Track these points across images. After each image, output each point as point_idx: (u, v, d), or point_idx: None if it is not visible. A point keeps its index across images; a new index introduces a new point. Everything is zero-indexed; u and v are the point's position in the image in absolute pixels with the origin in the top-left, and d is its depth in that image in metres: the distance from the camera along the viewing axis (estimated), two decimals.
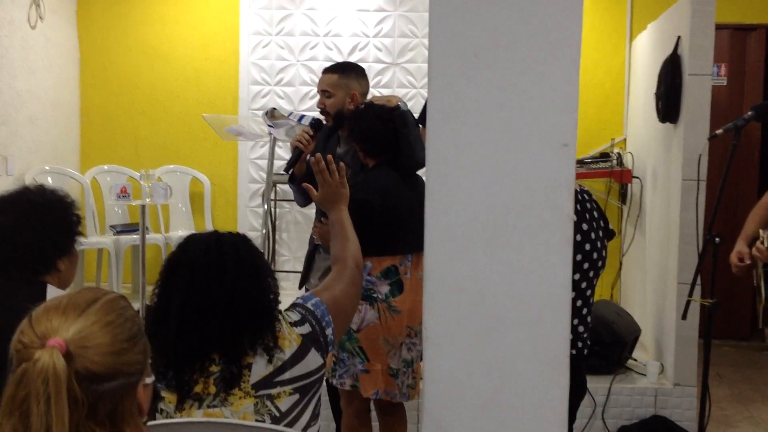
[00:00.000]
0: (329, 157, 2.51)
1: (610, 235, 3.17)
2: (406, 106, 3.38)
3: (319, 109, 3.61)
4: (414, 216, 3.22)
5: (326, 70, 3.63)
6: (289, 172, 3.58)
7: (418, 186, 3.37)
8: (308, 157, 3.59)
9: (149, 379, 1.37)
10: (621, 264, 5.66)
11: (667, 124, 4.49)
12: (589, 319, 3.09)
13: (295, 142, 3.53)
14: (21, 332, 1.28)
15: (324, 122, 3.56)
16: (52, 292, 2.15)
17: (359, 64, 3.85)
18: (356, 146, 3.36)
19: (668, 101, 4.34)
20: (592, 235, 3.05)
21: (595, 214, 3.13)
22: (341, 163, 2.53)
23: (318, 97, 3.61)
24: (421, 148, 3.32)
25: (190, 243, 2.07)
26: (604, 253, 3.14)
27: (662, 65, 4.47)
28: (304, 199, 3.68)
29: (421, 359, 3.40)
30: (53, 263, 2.21)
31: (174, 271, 2.03)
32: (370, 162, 3.33)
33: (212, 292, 1.95)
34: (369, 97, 3.62)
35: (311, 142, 3.51)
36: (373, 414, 3.52)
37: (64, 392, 1.20)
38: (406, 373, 3.28)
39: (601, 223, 3.16)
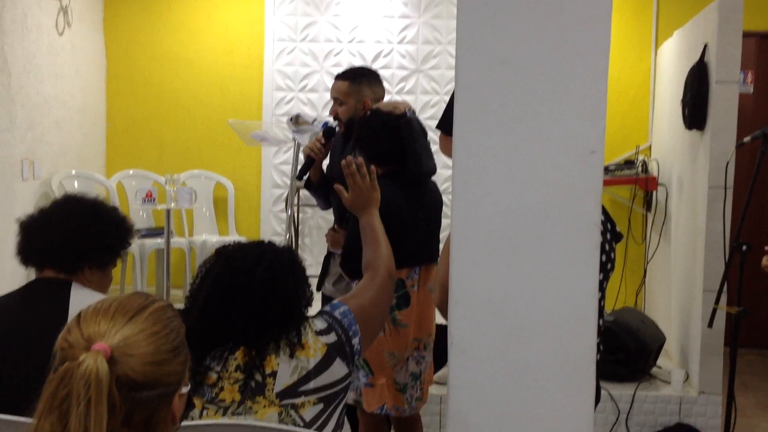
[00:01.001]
0: (360, 159, 2.49)
1: (617, 237, 3.13)
2: (414, 113, 3.28)
3: (332, 116, 3.60)
4: (419, 228, 3.20)
5: (338, 77, 3.57)
6: (302, 180, 3.58)
7: (427, 196, 3.29)
8: (324, 161, 3.59)
9: (185, 389, 1.38)
10: (645, 271, 5.62)
11: (694, 131, 4.46)
12: (600, 322, 3.05)
13: (306, 150, 3.51)
14: (68, 330, 1.29)
15: (336, 129, 3.54)
16: (77, 290, 2.16)
17: (376, 69, 3.79)
18: (361, 155, 3.28)
19: (695, 108, 4.31)
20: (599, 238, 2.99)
21: (602, 216, 3.07)
22: (372, 167, 2.50)
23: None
24: (428, 156, 3.24)
25: (235, 243, 2.10)
26: (612, 256, 3.09)
27: (689, 72, 4.44)
28: (325, 203, 3.69)
29: (437, 368, 3.38)
30: (80, 269, 2.22)
31: (212, 262, 2.05)
32: (378, 171, 3.27)
33: (243, 279, 1.97)
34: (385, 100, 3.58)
35: (323, 150, 3.50)
36: None
37: (105, 397, 1.21)
38: (414, 386, 3.22)
39: (609, 226, 3.12)
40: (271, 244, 2.10)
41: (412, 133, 3.17)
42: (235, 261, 2.00)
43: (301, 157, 3.71)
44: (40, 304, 2.12)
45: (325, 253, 3.62)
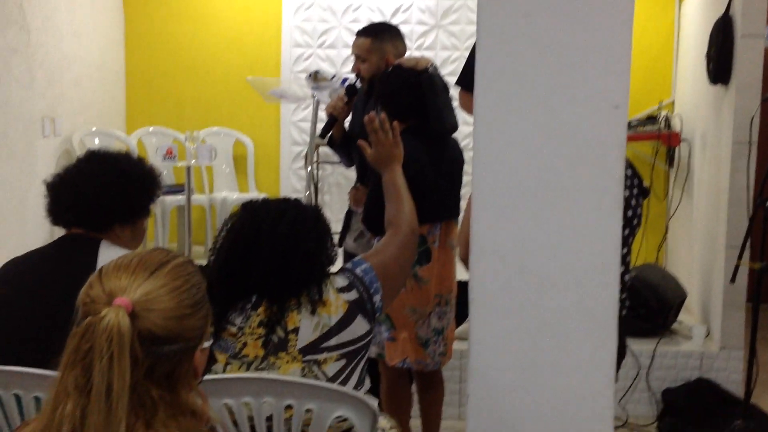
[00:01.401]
0: (383, 115, 2.48)
1: (645, 193, 3.09)
2: (436, 69, 3.24)
3: (354, 74, 3.56)
4: (441, 184, 3.18)
5: (359, 33, 3.53)
6: (325, 138, 3.56)
7: (448, 151, 3.27)
8: (346, 118, 3.57)
9: (207, 344, 1.40)
10: (667, 228, 5.59)
11: (718, 85, 4.40)
12: (626, 278, 3.03)
13: (329, 108, 3.49)
14: (90, 286, 1.30)
15: (358, 87, 3.51)
16: (106, 248, 2.17)
17: (396, 25, 3.73)
18: (383, 111, 3.26)
19: (719, 63, 4.25)
20: (626, 193, 2.97)
21: (629, 171, 3.04)
22: (395, 122, 2.49)
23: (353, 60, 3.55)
24: (450, 112, 3.22)
25: (261, 199, 2.11)
26: (639, 211, 3.06)
27: (713, 26, 4.37)
28: (348, 160, 3.67)
29: (459, 324, 3.40)
30: (110, 226, 2.23)
31: (237, 216, 2.07)
32: (399, 127, 3.24)
33: (265, 233, 1.98)
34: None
35: (345, 109, 3.48)
36: None
37: (127, 351, 1.23)
38: (437, 341, 3.23)
39: (636, 181, 3.08)
40: (296, 201, 2.11)
41: (433, 89, 3.14)
42: (259, 215, 2.01)
43: (322, 114, 3.69)
44: (69, 261, 2.14)
45: (346, 209, 3.62)
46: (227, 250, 2.01)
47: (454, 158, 3.30)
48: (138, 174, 2.29)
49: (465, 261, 2.74)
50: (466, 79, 3.36)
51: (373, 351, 3.22)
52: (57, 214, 2.24)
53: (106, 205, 2.20)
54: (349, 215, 3.57)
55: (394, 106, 3.15)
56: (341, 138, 3.56)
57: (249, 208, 2.07)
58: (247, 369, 1.94)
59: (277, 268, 1.97)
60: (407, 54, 3.62)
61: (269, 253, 1.96)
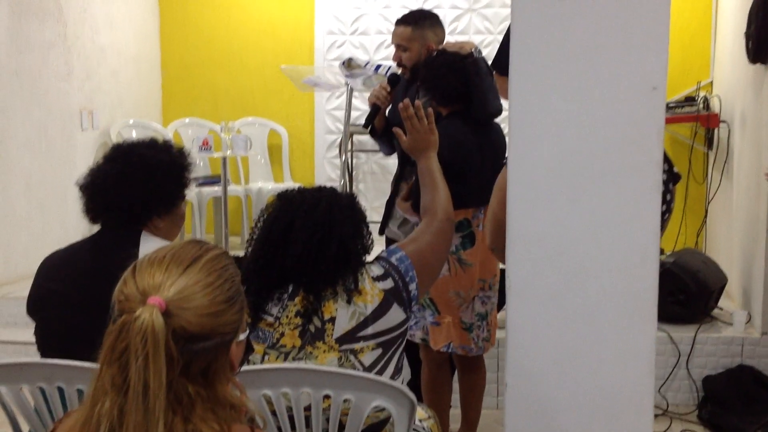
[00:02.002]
0: (418, 102, 2.47)
1: (675, 178, 3.04)
2: (481, 53, 3.25)
3: (395, 63, 3.56)
4: (486, 168, 3.17)
5: (399, 22, 3.51)
6: (368, 128, 3.56)
7: (492, 136, 3.28)
8: (388, 108, 3.56)
9: (243, 336, 1.39)
10: (707, 212, 5.51)
11: (758, 65, 4.31)
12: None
13: (372, 98, 3.49)
14: (124, 282, 1.30)
15: (401, 76, 3.51)
16: (146, 240, 2.18)
17: (433, 11, 3.72)
18: (428, 95, 3.28)
19: (759, 41, 4.16)
20: None
21: None
22: (429, 109, 2.48)
23: (393, 49, 3.54)
24: (494, 96, 3.23)
25: (297, 188, 2.12)
26: (668, 198, 3.01)
27: (753, 3, 4.28)
28: (389, 148, 3.68)
29: (498, 310, 3.39)
30: (148, 219, 2.24)
31: (273, 205, 2.07)
32: (443, 111, 3.26)
33: (299, 220, 1.98)
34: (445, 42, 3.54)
35: (388, 98, 3.47)
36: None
37: (162, 350, 1.22)
38: (481, 326, 3.23)
39: (666, 166, 3.03)
40: (332, 189, 2.10)
41: (478, 73, 3.15)
42: (294, 204, 2.01)
43: (356, 102, 3.69)
44: (111, 253, 2.15)
45: (380, 199, 3.62)
46: (263, 239, 2.02)
47: (498, 143, 3.30)
48: (166, 163, 2.28)
49: (492, 250, 2.73)
50: (501, 63, 3.34)
51: (417, 336, 3.25)
52: (94, 215, 2.25)
53: (139, 202, 2.20)
54: (390, 203, 3.57)
55: (440, 91, 3.19)
56: (383, 127, 3.57)
57: (284, 197, 2.07)
58: (285, 359, 1.95)
59: (312, 256, 1.96)
60: (444, 39, 3.60)
61: (305, 240, 1.96)
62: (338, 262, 1.99)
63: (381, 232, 3.61)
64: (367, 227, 2.11)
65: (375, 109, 3.46)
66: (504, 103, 3.25)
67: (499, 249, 2.69)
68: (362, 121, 3.58)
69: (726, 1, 5.45)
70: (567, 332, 1.85)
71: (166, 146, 2.35)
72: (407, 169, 3.47)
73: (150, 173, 2.23)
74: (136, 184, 2.20)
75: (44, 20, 4.82)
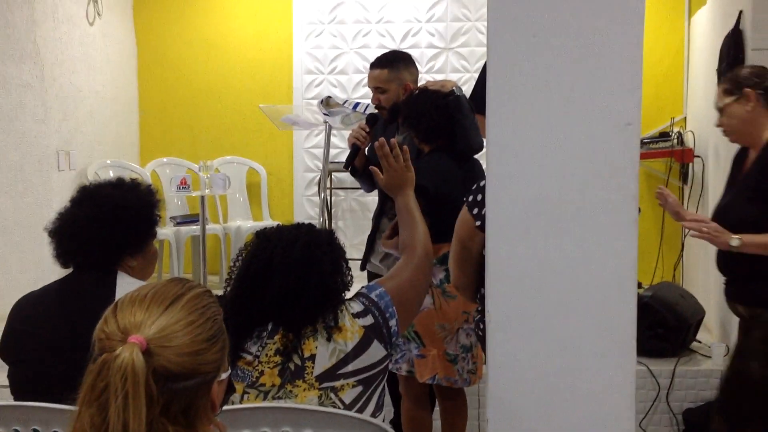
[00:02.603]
0: (393, 141, 2.50)
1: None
2: (461, 90, 3.33)
3: (374, 105, 3.60)
4: None
5: (374, 66, 3.58)
6: (349, 169, 3.60)
7: (474, 171, 3.34)
8: (367, 148, 3.60)
9: (224, 375, 1.38)
10: (683, 245, 5.55)
11: None
12: None
13: (351, 138, 3.53)
14: (105, 321, 1.29)
15: (379, 116, 3.55)
16: (123, 280, 2.17)
17: (407, 51, 3.78)
18: (411, 132, 3.33)
19: None
20: None
21: None
22: (404, 147, 2.51)
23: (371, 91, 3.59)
24: (477, 133, 3.30)
25: (274, 226, 2.11)
26: None
27: (723, 41, 4.36)
28: (369, 186, 3.71)
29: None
30: (120, 260, 2.22)
31: (251, 243, 2.07)
32: (425, 148, 3.31)
33: (278, 258, 1.97)
34: (423, 81, 3.59)
35: (368, 138, 3.51)
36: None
37: (142, 390, 1.21)
38: (465, 358, 3.24)
39: None
40: (309, 226, 2.11)
41: (461, 110, 3.24)
42: (272, 242, 2.01)
43: (335, 140, 3.71)
44: (86, 294, 2.13)
45: (360, 236, 3.64)
46: (242, 278, 2.01)
47: (481, 176, 3.34)
48: (134, 202, 2.26)
49: (457, 285, 2.75)
50: (476, 101, 3.39)
51: (403, 368, 3.25)
52: (65, 259, 2.23)
53: (110, 243, 2.19)
54: (372, 238, 3.59)
55: (424, 128, 3.26)
56: (363, 165, 3.60)
57: (262, 236, 2.07)
58: (265, 398, 1.93)
59: (291, 294, 1.96)
60: (419, 77, 3.66)
61: (283, 279, 1.96)
62: (318, 300, 1.98)
63: (362, 267, 3.62)
64: (347, 263, 2.11)
65: (355, 149, 3.49)
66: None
67: (463, 287, 2.71)
68: (341, 158, 3.61)
69: (697, 38, 5.54)
70: (547, 367, 1.86)
71: (133, 185, 2.32)
72: (388, 204, 3.49)
73: (118, 214, 2.21)
74: (105, 225, 2.18)
75: (21, 62, 4.83)
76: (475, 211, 2.59)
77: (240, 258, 2.07)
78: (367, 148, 3.61)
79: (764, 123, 2.91)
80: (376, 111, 3.58)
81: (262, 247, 2.02)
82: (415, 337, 3.21)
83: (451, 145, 3.27)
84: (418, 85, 3.52)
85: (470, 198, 2.62)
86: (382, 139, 2.50)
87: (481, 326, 2.80)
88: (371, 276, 3.55)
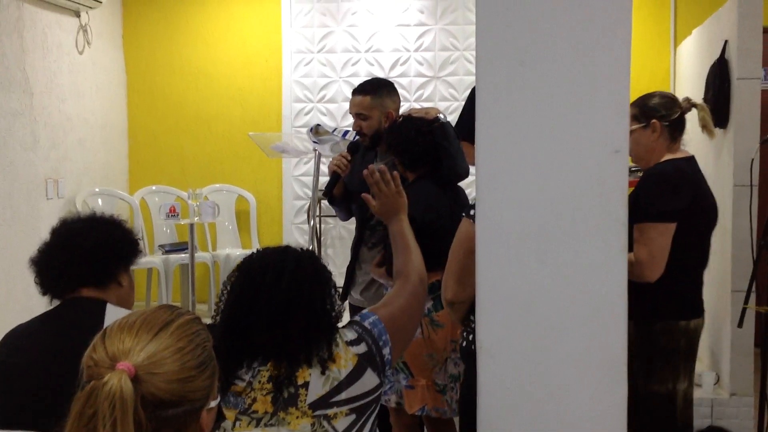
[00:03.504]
0: (382, 167, 2.48)
1: None
2: (446, 117, 3.32)
3: (355, 131, 3.59)
4: (456, 229, 3.20)
5: (356, 92, 3.56)
6: (327, 196, 3.58)
7: (460, 198, 3.33)
8: (348, 176, 3.58)
9: (214, 403, 1.37)
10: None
11: (717, 129, 4.41)
12: None
13: (332, 166, 3.51)
14: (93, 348, 1.28)
15: (361, 144, 3.55)
16: (111, 310, 2.16)
17: (392, 80, 3.78)
18: (396, 160, 3.32)
19: (717, 106, 4.27)
20: None
21: None
22: (395, 173, 2.49)
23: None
24: (462, 159, 3.28)
25: (258, 252, 2.08)
26: None
27: (709, 70, 4.41)
28: (345, 215, 3.70)
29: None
30: (115, 275, 2.22)
31: (235, 276, 2.04)
32: (410, 176, 3.29)
33: (264, 294, 1.94)
34: (407, 108, 3.59)
35: (348, 166, 3.49)
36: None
37: (131, 417, 1.20)
38: (454, 388, 3.21)
39: None
40: (293, 253, 2.07)
41: (446, 137, 3.22)
42: (256, 276, 1.98)
43: (324, 168, 3.71)
44: (75, 324, 2.12)
45: (347, 264, 3.62)
46: (229, 314, 1.97)
47: (466, 204, 3.33)
48: (112, 221, 2.32)
49: (452, 305, 2.71)
50: (463, 129, 3.41)
51: (392, 400, 3.22)
52: (51, 285, 2.23)
53: (108, 255, 2.21)
54: (352, 269, 3.56)
55: (410, 155, 3.24)
56: (341, 194, 3.59)
57: (245, 268, 2.03)
58: (257, 425, 1.91)
59: (280, 329, 1.93)
60: (405, 105, 3.66)
61: (270, 314, 1.93)
62: (309, 332, 1.96)
63: (342, 299, 3.59)
64: (335, 288, 2.09)
65: (335, 177, 3.48)
66: (471, 168, 3.30)
67: (460, 302, 2.68)
68: None
69: (683, 68, 5.60)
70: (537, 393, 1.85)
71: (111, 214, 2.38)
72: (366, 233, 3.49)
73: (110, 227, 2.26)
74: (99, 236, 2.21)
75: (10, 90, 4.82)
76: None
77: (226, 289, 2.04)
78: (345, 177, 3.60)
79: (663, 153, 2.99)
80: (359, 139, 3.57)
81: (246, 284, 1.98)
82: (403, 368, 3.18)
83: (437, 172, 3.25)
84: (401, 112, 3.51)
85: (472, 212, 2.63)
86: (371, 166, 2.49)
87: (464, 345, 2.78)
88: (352, 309, 3.51)
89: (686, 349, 3.00)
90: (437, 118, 3.27)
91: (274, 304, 1.94)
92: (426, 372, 3.17)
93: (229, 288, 2.02)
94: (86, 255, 2.19)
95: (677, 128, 3.03)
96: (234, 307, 1.96)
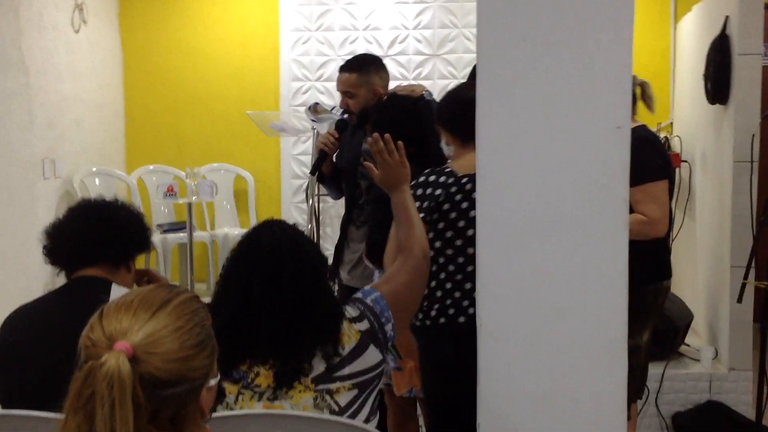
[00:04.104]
0: (387, 136, 2.44)
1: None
2: (431, 95, 3.27)
3: (342, 109, 3.55)
4: None
5: (343, 69, 3.50)
6: (315, 174, 3.55)
7: None
8: (335, 153, 3.55)
9: (213, 381, 1.36)
10: (671, 249, 5.56)
11: (717, 105, 4.40)
12: None
13: (320, 144, 3.48)
14: (90, 328, 1.27)
15: (349, 122, 3.51)
16: (117, 290, 2.16)
17: (377, 56, 3.73)
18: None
19: (717, 82, 4.26)
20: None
21: None
22: (399, 142, 2.46)
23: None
24: None
25: (251, 245, 2.03)
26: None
27: (710, 46, 4.38)
28: (337, 193, 3.69)
29: None
30: (130, 257, 2.28)
31: (231, 270, 2.01)
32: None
33: (265, 301, 1.92)
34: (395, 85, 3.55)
35: (336, 144, 3.47)
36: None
37: (129, 397, 1.19)
38: None
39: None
40: (288, 244, 1.98)
41: (431, 115, 3.15)
42: (254, 294, 1.93)
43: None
44: (83, 303, 2.11)
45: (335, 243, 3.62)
46: (229, 317, 1.92)
47: None
48: (129, 207, 2.39)
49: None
50: None
51: (381, 381, 3.20)
52: (62, 258, 2.23)
53: (123, 237, 2.24)
54: (340, 248, 3.55)
55: (393, 133, 3.15)
56: (331, 171, 3.56)
57: (234, 263, 2.00)
58: (259, 399, 1.92)
59: (284, 335, 1.92)
60: (405, 83, 3.63)
61: (273, 321, 1.91)
62: (314, 334, 1.95)
63: (332, 278, 3.58)
64: (334, 278, 2.07)
65: (322, 155, 3.45)
66: None
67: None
68: None
69: (683, 43, 5.57)
70: (539, 374, 1.85)
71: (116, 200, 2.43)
72: (354, 212, 3.46)
73: (124, 212, 2.33)
74: (125, 218, 2.29)
75: (6, 70, 4.79)
76: (418, 204, 2.66)
77: (218, 291, 2.02)
78: (335, 156, 3.58)
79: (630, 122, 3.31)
80: (345, 116, 3.54)
81: (243, 301, 1.94)
82: (391, 349, 3.15)
83: (423, 152, 3.16)
84: (389, 89, 3.47)
85: (411, 192, 2.64)
86: (376, 134, 2.46)
87: (420, 316, 2.78)
88: (343, 288, 3.49)
89: (660, 305, 3.36)
90: (422, 96, 3.21)
91: (275, 316, 1.92)
92: (414, 354, 3.14)
93: (220, 288, 2.00)
94: (110, 231, 2.22)
95: (634, 101, 3.32)
96: (234, 312, 1.93)
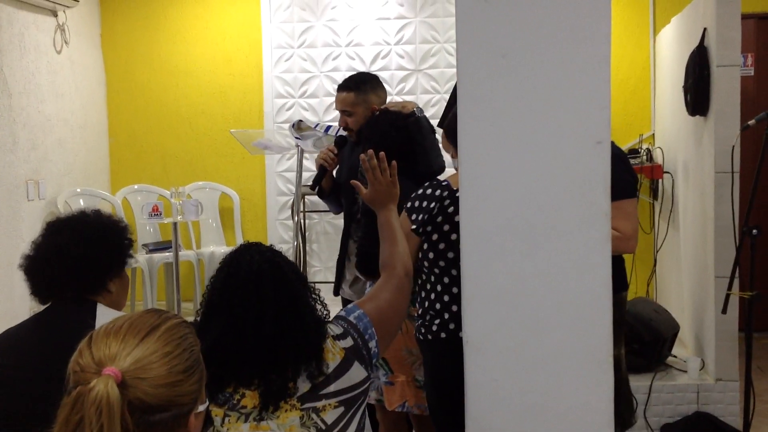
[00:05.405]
0: (381, 154, 2.44)
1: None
2: (422, 111, 3.29)
3: (341, 127, 3.58)
4: None
5: (341, 88, 3.54)
6: (316, 190, 3.58)
7: None
8: (335, 169, 3.58)
9: (202, 407, 1.35)
10: (655, 261, 5.60)
11: (697, 116, 4.44)
12: None
13: (319, 160, 3.51)
14: (79, 353, 1.27)
15: (348, 139, 3.54)
16: (102, 311, 2.14)
17: (374, 74, 3.77)
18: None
19: (697, 94, 4.30)
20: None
21: None
22: (393, 162, 2.46)
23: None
24: (437, 155, 3.27)
25: (231, 271, 2.02)
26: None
27: (689, 58, 4.42)
28: (337, 207, 3.70)
29: None
30: (104, 284, 2.19)
31: (213, 296, 2.00)
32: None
33: (251, 334, 1.92)
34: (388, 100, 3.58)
35: (335, 160, 3.49)
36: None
37: (118, 423, 1.19)
38: None
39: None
40: (270, 274, 1.99)
41: (421, 131, 3.19)
42: (237, 319, 1.92)
43: (307, 164, 3.70)
44: (66, 327, 2.10)
45: (335, 259, 3.62)
46: (213, 341, 1.92)
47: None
48: (108, 223, 2.26)
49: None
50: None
51: (372, 396, 3.20)
52: (45, 292, 2.19)
53: (95, 266, 2.16)
54: (342, 263, 3.56)
55: (383, 149, 3.17)
56: (330, 187, 3.59)
57: (216, 288, 2.00)
58: (246, 420, 1.91)
59: (268, 356, 1.92)
60: (388, 99, 3.65)
61: (257, 343, 1.91)
62: (298, 358, 1.95)
63: (336, 293, 3.60)
64: (318, 301, 2.06)
65: (322, 171, 3.48)
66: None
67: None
68: None
69: (663, 56, 5.62)
70: (524, 385, 1.86)
71: (107, 214, 2.32)
72: (353, 227, 3.48)
73: (96, 236, 2.19)
74: (84, 248, 2.15)
75: None
76: (413, 216, 2.73)
77: (201, 312, 2.01)
78: (335, 171, 3.60)
79: None
80: (345, 133, 3.57)
81: (228, 327, 1.93)
82: (383, 364, 3.15)
83: (412, 167, 3.19)
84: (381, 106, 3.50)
85: (408, 204, 2.74)
86: (370, 151, 2.46)
87: (423, 330, 2.80)
88: (344, 302, 3.51)
89: (623, 317, 3.34)
90: (413, 113, 3.23)
91: (258, 338, 1.91)
92: (405, 368, 3.14)
93: (204, 309, 1.99)
94: (70, 270, 2.15)
95: None
96: (217, 338, 1.92)
